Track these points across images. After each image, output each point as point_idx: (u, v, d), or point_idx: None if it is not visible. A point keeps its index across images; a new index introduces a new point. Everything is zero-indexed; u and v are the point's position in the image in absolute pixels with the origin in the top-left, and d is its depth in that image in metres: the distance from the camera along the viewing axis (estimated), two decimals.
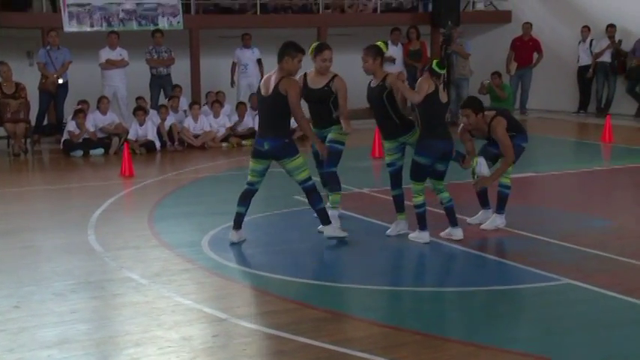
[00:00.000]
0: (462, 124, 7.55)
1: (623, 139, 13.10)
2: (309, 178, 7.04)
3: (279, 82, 6.83)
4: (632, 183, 10.17)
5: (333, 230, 7.13)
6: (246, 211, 7.17)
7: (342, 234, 7.18)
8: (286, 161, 6.99)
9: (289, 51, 6.89)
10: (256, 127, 13.60)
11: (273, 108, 6.90)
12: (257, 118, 13.66)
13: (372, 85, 7.32)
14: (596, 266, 6.43)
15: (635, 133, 14.17)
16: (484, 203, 7.76)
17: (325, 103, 7.51)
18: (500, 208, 7.59)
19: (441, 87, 7.04)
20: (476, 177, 7.46)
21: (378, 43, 7.35)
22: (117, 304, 5.75)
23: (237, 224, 7.17)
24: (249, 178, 7.18)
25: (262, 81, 7.16)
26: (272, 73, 7.02)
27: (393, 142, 7.28)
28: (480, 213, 7.76)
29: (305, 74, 7.75)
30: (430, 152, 6.97)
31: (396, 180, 7.37)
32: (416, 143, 7.07)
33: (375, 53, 7.22)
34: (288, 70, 6.91)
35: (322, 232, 7.19)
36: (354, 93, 8.01)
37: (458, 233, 7.23)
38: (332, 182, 7.63)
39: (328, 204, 7.51)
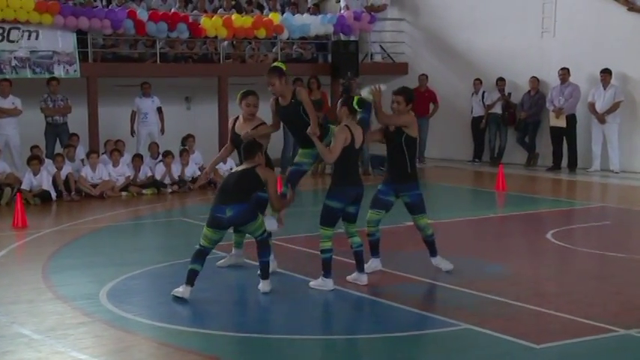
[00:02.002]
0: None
1: (515, 187, 13.61)
2: (264, 231, 7.13)
3: (257, 168, 7.01)
4: (525, 229, 10.54)
5: (267, 286, 7.11)
6: (201, 268, 6.97)
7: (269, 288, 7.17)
8: (249, 225, 7.03)
9: (259, 149, 7.14)
10: (157, 176, 13.56)
11: (242, 182, 6.97)
12: (158, 166, 13.67)
13: (282, 104, 7.43)
14: (493, 311, 6.60)
15: (526, 181, 14.75)
16: (374, 252, 7.85)
17: None
18: (432, 253, 7.81)
19: (357, 128, 7.16)
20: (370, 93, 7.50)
21: (277, 63, 7.53)
22: None
23: (191, 281, 6.92)
24: (204, 243, 6.99)
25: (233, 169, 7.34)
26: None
27: (313, 149, 7.41)
28: (370, 261, 7.79)
29: (236, 118, 7.82)
30: (342, 197, 7.11)
31: (292, 178, 7.53)
32: (328, 189, 7.21)
33: (280, 74, 7.38)
34: (259, 162, 7.11)
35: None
36: None
37: (363, 279, 7.34)
38: None
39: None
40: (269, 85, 7.41)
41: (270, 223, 7.23)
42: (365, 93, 7.59)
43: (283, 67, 7.50)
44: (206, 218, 7.10)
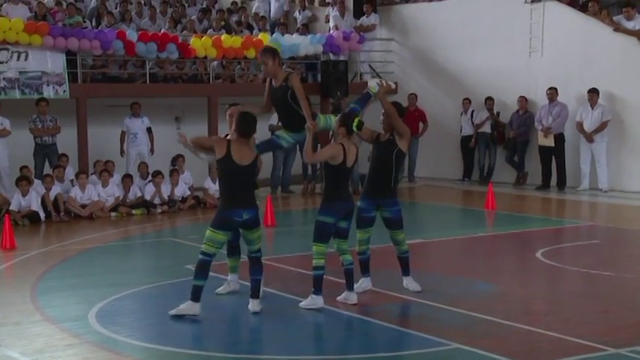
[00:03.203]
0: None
1: (504, 206, 13.64)
2: (260, 249, 7.17)
3: (258, 157, 7.03)
4: (515, 248, 10.56)
5: (257, 306, 7.09)
6: (205, 282, 6.94)
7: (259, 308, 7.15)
8: (255, 230, 7.07)
9: (255, 125, 7.06)
10: (146, 196, 13.53)
11: (252, 182, 7.01)
12: (147, 186, 13.65)
13: (274, 85, 7.46)
14: (483, 330, 6.60)
15: (515, 200, 14.79)
16: (365, 271, 7.86)
17: None
18: (405, 272, 7.82)
19: (351, 147, 7.18)
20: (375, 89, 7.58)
21: (271, 44, 7.55)
22: None
23: (197, 297, 6.89)
24: (208, 249, 6.94)
25: (232, 151, 6.87)
26: (240, 142, 6.92)
27: (300, 134, 7.40)
28: (360, 281, 7.80)
29: (226, 136, 7.80)
30: (333, 212, 7.16)
31: (267, 144, 7.62)
32: (320, 206, 7.24)
33: (273, 54, 7.40)
34: (253, 146, 7.12)
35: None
36: None
37: (353, 298, 7.34)
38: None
39: None
40: (262, 65, 7.44)
41: None
42: (372, 83, 7.61)
43: (277, 47, 7.54)
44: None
